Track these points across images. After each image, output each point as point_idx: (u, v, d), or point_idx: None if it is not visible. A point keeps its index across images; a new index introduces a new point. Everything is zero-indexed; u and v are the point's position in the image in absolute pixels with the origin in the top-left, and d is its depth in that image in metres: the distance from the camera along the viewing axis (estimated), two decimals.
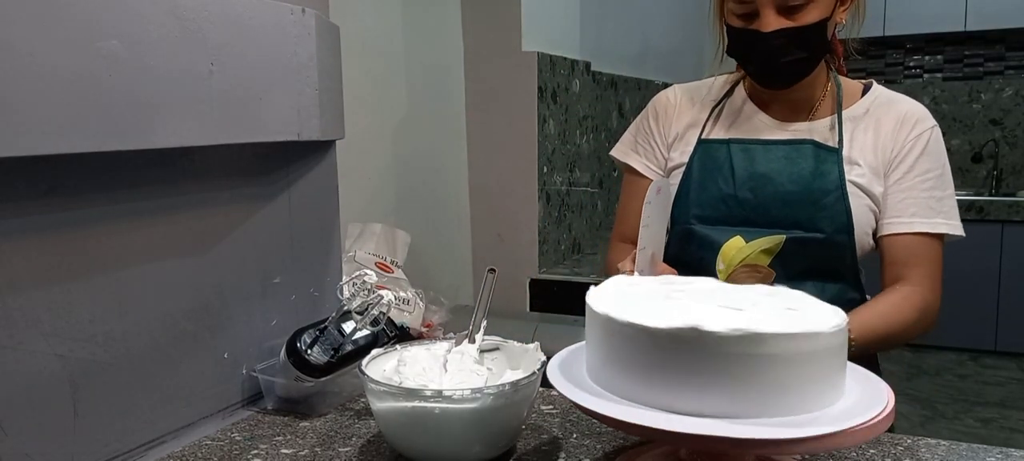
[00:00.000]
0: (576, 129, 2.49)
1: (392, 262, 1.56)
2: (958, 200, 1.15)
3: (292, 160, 1.05)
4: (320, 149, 1.09)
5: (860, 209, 1.11)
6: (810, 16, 1.06)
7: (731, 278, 1.12)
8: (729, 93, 1.24)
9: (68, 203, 0.76)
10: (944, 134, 1.15)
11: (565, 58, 2.37)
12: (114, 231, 0.81)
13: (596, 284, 0.77)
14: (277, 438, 0.88)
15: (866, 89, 1.19)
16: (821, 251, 1.11)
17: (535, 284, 2.27)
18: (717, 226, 1.16)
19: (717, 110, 1.23)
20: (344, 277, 1.07)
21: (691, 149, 1.20)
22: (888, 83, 1.24)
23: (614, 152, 1.33)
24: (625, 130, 1.34)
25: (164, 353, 0.87)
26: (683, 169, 1.20)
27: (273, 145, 0.97)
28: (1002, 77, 4.34)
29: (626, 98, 3.04)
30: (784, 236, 1.10)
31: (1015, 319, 3.92)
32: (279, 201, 1.03)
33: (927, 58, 4.47)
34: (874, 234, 1.14)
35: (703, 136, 1.20)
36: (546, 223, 2.31)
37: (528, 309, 2.26)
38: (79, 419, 0.78)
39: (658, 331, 0.63)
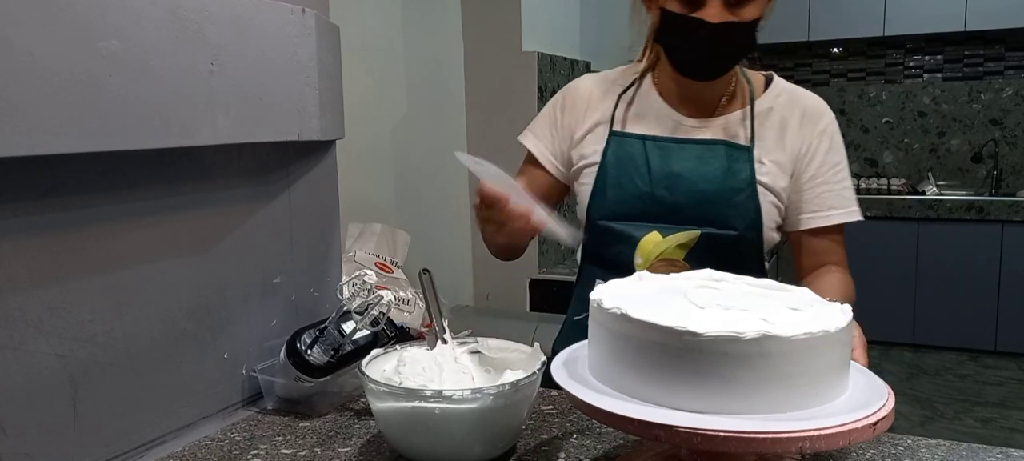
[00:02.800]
0: None
1: (392, 262, 1.57)
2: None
3: (292, 160, 1.05)
4: (320, 149, 1.09)
5: (766, 207, 1.14)
6: (750, 12, 1.07)
7: (649, 271, 1.14)
8: (636, 83, 1.23)
9: (68, 203, 0.76)
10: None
11: (565, 58, 2.37)
12: (114, 231, 0.81)
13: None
14: (277, 438, 0.88)
15: (768, 82, 1.21)
16: (732, 246, 1.14)
17: (535, 284, 2.27)
18: (634, 222, 1.17)
19: (623, 98, 1.22)
20: (344, 277, 1.07)
21: (603, 144, 1.20)
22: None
23: (520, 137, 1.32)
24: None
25: (164, 353, 0.87)
26: (596, 166, 1.20)
27: (273, 145, 0.97)
28: (1002, 77, 4.34)
29: None
30: (699, 231, 1.13)
31: (1015, 319, 3.92)
32: (279, 201, 1.03)
33: (927, 58, 4.47)
34: (778, 228, 1.17)
35: (615, 128, 1.20)
36: None
37: (528, 309, 2.26)
38: (79, 419, 0.78)
39: (660, 329, 0.63)
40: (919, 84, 4.46)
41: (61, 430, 0.76)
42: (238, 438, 0.88)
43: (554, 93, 2.30)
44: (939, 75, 4.46)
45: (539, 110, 2.20)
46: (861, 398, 0.68)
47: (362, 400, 0.97)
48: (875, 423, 0.63)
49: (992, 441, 2.89)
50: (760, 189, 1.14)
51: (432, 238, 2.13)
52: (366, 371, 0.80)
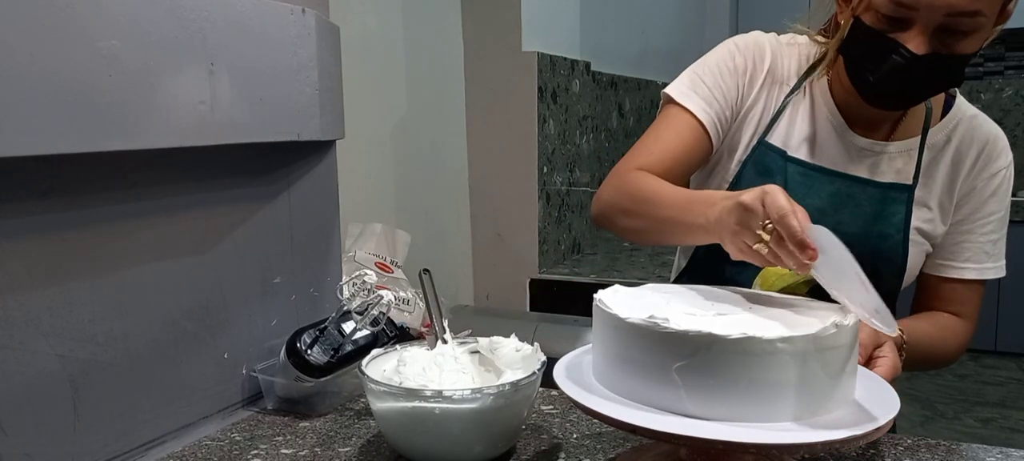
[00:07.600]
0: (576, 129, 2.49)
1: (392, 262, 1.57)
2: None
3: (292, 160, 1.05)
4: (320, 149, 1.09)
5: (917, 255, 1.03)
6: (964, 46, 0.88)
7: None
8: (808, 72, 1.05)
9: (68, 203, 0.76)
10: None
11: (565, 58, 2.37)
12: (114, 231, 0.81)
13: (596, 284, 0.76)
14: (277, 438, 0.88)
15: (947, 104, 1.05)
16: None
17: (535, 284, 2.27)
18: None
19: (795, 96, 1.05)
20: (344, 277, 1.07)
21: (748, 152, 1.05)
22: None
23: (673, 93, 1.06)
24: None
25: (164, 353, 0.87)
26: (734, 172, 1.06)
27: (273, 145, 0.97)
28: (1002, 77, 4.34)
29: (626, 98, 3.04)
30: None
31: (1015, 319, 3.92)
32: (279, 201, 1.03)
33: None
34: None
35: (765, 137, 1.05)
36: (546, 223, 2.31)
37: (528, 309, 2.26)
38: (79, 419, 0.78)
39: (664, 332, 0.63)
40: None
41: (61, 430, 0.76)
42: (238, 438, 0.88)
43: (554, 93, 2.31)
44: None
45: (539, 110, 2.22)
46: (866, 394, 0.68)
47: (362, 400, 0.97)
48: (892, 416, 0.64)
49: (992, 441, 2.88)
50: (914, 235, 1.01)
51: (432, 238, 2.13)
52: (366, 371, 0.80)
